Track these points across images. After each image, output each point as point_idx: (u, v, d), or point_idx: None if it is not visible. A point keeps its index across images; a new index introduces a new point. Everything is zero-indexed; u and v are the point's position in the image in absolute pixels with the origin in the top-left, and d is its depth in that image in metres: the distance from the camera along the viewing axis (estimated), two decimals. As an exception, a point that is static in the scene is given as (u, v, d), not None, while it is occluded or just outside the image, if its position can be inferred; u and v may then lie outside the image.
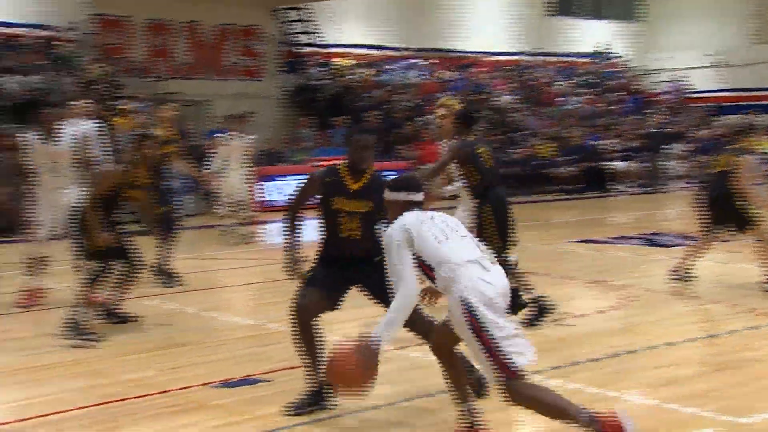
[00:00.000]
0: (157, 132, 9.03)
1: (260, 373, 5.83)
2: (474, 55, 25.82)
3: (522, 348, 4.23)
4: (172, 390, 5.51)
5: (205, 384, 5.62)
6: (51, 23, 18.61)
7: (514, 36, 27.29)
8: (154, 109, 9.72)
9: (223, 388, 5.55)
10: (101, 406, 5.23)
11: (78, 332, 6.61)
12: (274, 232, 14.62)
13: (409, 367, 5.97)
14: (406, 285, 4.34)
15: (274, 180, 17.83)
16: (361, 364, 4.27)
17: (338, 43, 23.18)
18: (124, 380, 5.79)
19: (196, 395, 5.43)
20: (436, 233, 4.41)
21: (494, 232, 7.09)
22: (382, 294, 4.92)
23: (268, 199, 17.44)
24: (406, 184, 4.67)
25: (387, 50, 24.25)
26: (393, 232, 4.43)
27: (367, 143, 5.23)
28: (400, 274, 4.35)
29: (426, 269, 4.38)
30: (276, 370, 5.89)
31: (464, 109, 7.73)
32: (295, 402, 5.03)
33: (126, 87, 18.12)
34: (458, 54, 25.31)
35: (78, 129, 8.35)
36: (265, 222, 14.91)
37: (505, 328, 4.21)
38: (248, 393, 5.46)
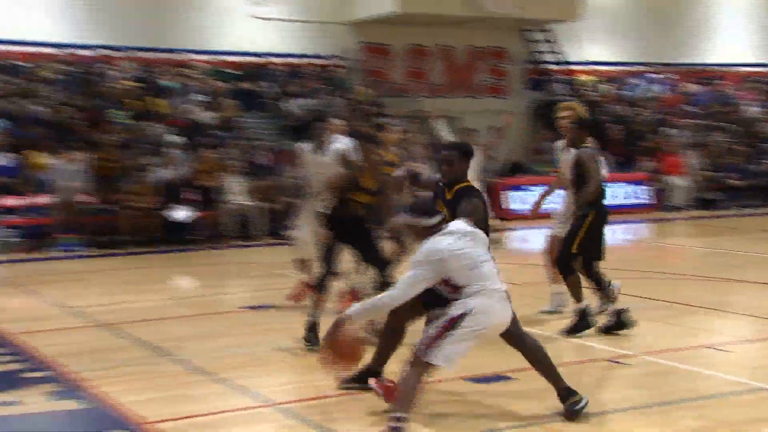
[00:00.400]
0: (387, 156, 8.75)
1: (509, 371, 5.80)
2: (719, 67, 24.21)
3: (455, 357, 4.60)
4: (427, 383, 5.59)
5: (458, 378, 5.65)
6: (326, 53, 19.72)
7: (763, 46, 25.25)
8: (382, 132, 9.28)
9: (474, 383, 5.58)
10: (361, 393, 5.39)
11: (310, 336, 6.62)
12: (518, 237, 14.55)
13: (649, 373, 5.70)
14: (401, 297, 4.63)
15: (519, 190, 17.74)
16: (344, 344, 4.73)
17: (581, 60, 22.64)
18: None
19: (448, 387, 5.49)
20: (469, 259, 4.59)
21: (584, 241, 6.83)
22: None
23: (512, 207, 17.37)
24: (424, 209, 4.80)
25: (629, 66, 23.36)
26: (431, 254, 4.58)
27: (441, 157, 5.55)
28: (408, 287, 4.61)
29: (451, 288, 4.60)
30: (523, 369, 5.83)
31: (587, 117, 7.33)
32: None
33: (387, 106, 18.81)
34: (703, 67, 23.83)
35: (338, 144, 8.34)
36: (510, 229, 14.88)
37: (465, 342, 4.58)
38: (498, 388, 5.45)
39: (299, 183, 8.39)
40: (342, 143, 8.53)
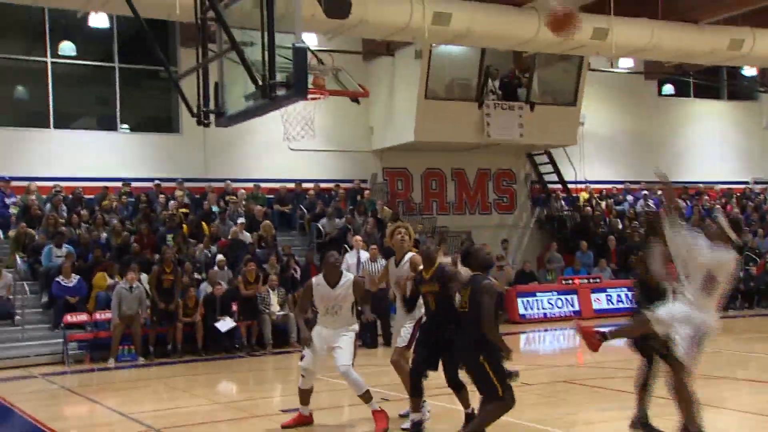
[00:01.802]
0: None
1: None
2: (702, 184, 24.48)
3: None
4: None
5: None
6: (354, 178, 20.26)
7: (742, 167, 25.63)
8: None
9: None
10: None
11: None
12: (530, 340, 14.50)
13: None
14: None
15: (530, 296, 17.81)
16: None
17: (580, 179, 23.02)
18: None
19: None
20: None
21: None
22: None
23: (523, 312, 17.38)
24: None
25: (622, 184, 23.71)
26: None
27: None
28: None
29: None
30: None
31: (415, 238, 7.36)
32: None
33: (407, 222, 19.07)
34: (687, 184, 24.10)
35: (357, 258, 8.24)
36: (522, 332, 14.85)
37: None
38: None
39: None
40: (363, 256, 8.44)
